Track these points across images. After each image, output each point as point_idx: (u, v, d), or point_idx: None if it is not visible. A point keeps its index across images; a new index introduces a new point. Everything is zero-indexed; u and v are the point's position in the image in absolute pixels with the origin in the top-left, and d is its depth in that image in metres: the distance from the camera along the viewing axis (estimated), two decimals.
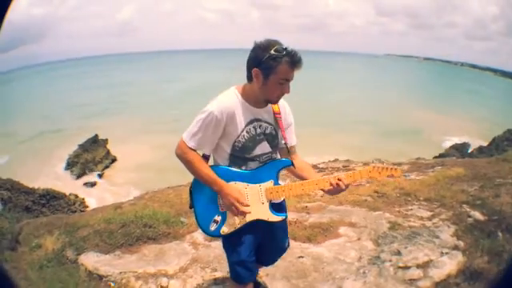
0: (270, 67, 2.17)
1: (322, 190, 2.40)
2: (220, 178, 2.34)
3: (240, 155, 2.39)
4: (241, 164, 2.41)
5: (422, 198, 6.54)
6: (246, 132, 2.36)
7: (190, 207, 2.52)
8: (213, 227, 2.43)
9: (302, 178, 2.49)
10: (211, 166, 2.40)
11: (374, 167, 2.34)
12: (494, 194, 6.41)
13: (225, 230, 2.42)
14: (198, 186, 2.44)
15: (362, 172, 2.34)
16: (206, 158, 2.44)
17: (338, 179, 2.32)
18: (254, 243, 2.56)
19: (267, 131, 2.44)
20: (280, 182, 2.47)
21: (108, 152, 35.43)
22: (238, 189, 2.36)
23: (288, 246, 2.93)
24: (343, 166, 10.27)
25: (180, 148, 2.35)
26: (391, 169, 2.33)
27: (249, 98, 2.34)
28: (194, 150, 2.34)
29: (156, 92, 76.73)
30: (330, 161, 12.33)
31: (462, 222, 5.28)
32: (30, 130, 44.71)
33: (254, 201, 2.38)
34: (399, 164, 10.88)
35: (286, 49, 2.17)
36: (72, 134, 40.18)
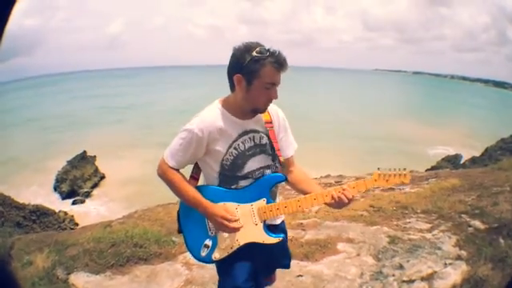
0: (253, 71, 2.04)
1: (325, 204, 2.26)
2: (205, 199, 2.22)
3: (230, 174, 2.26)
4: (231, 183, 2.28)
5: (419, 211, 6.63)
6: (234, 148, 2.23)
7: (179, 232, 2.41)
8: (204, 253, 2.31)
9: (301, 191, 2.37)
10: (197, 187, 2.30)
11: (379, 174, 2.20)
12: (493, 203, 6.55)
13: (216, 255, 2.30)
14: (186, 209, 2.33)
15: (368, 181, 2.23)
16: (195, 178, 2.36)
17: (343, 190, 2.18)
18: (251, 268, 2.37)
19: (262, 141, 2.30)
20: (278, 197, 2.42)
21: (96, 169, 35.27)
22: (224, 206, 2.22)
23: (288, 265, 2.72)
24: (336, 182, 10.27)
25: (161, 168, 2.27)
26: (399, 175, 2.19)
27: (234, 109, 2.22)
28: (176, 170, 2.26)
29: (145, 107, 76.88)
30: (321, 176, 12.33)
31: (463, 231, 5.41)
32: (20, 144, 44.46)
33: (246, 222, 2.25)
34: None
35: (269, 50, 2.05)
36: (60, 150, 39.94)
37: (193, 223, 2.33)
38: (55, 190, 32.32)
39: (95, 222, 8.53)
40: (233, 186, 2.28)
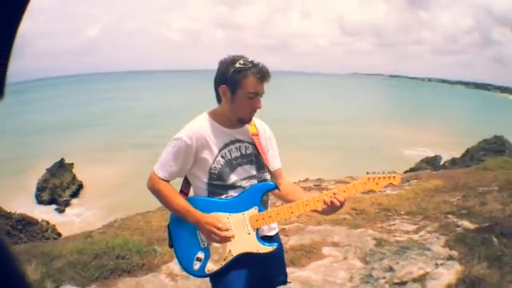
0: (236, 81, 2.14)
1: (315, 211, 2.27)
2: (195, 209, 2.22)
3: (218, 183, 2.28)
4: (220, 193, 2.29)
5: (402, 212, 6.70)
6: (221, 157, 2.27)
7: (170, 246, 2.38)
8: (196, 266, 2.27)
9: (290, 202, 2.32)
10: (187, 199, 2.31)
11: (369, 178, 2.23)
12: (480, 202, 6.66)
13: (210, 267, 2.26)
14: (176, 222, 2.32)
15: (357, 185, 2.25)
16: (184, 193, 2.37)
17: (334, 194, 2.19)
18: (247, 281, 2.32)
19: (248, 151, 2.35)
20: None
21: (74, 177, 35.11)
22: (214, 216, 2.21)
23: (284, 282, 2.62)
24: (315, 186, 10.32)
25: (151, 180, 2.27)
26: (389, 177, 2.22)
27: (221, 119, 2.29)
28: (167, 181, 2.27)
29: (122, 113, 76.60)
30: (300, 181, 12.37)
31: (451, 232, 5.45)
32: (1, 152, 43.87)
33: (238, 232, 2.23)
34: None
35: (252, 61, 2.16)
36: (40, 158, 39.55)
37: (184, 236, 2.30)
38: (37, 198, 32.49)
39: (76, 230, 8.49)
40: (223, 196, 2.28)
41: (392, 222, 6.24)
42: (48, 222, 22.65)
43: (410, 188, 8.51)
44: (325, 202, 2.19)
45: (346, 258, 4.85)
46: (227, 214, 2.24)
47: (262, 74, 2.16)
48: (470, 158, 28.47)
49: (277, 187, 2.32)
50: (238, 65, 2.13)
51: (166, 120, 62.26)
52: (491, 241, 4.88)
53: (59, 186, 33.31)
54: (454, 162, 28.96)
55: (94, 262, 4.84)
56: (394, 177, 2.23)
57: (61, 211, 30.80)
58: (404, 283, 4.01)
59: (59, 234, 20.55)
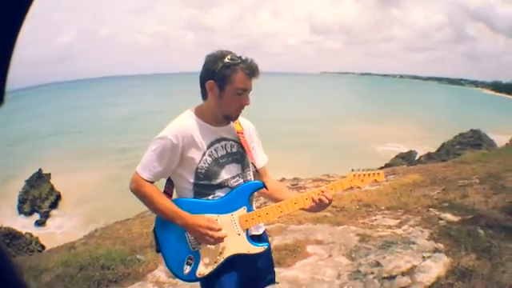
0: (224, 77, 2.11)
1: (303, 209, 2.27)
2: (184, 211, 2.17)
3: (205, 183, 2.24)
4: (207, 193, 2.25)
5: (383, 208, 6.77)
6: (209, 155, 2.23)
7: (158, 251, 2.29)
8: (187, 270, 2.20)
9: (277, 201, 2.34)
10: (173, 200, 2.24)
11: (354, 175, 2.30)
12: (461, 195, 6.79)
13: (201, 271, 2.20)
14: (163, 225, 2.24)
15: (344, 182, 2.30)
16: (168, 194, 2.29)
17: (322, 192, 2.23)
18: (238, 282, 2.30)
19: (233, 149, 2.33)
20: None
21: (52, 187, 34.79)
22: (204, 216, 2.17)
23: (273, 280, 2.64)
24: (292, 185, 10.37)
25: (134, 182, 2.19)
26: (373, 174, 2.32)
27: (206, 117, 2.25)
28: (151, 182, 2.20)
29: (97, 120, 75.86)
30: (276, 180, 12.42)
31: (434, 225, 5.53)
32: None
33: (228, 233, 2.19)
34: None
35: (240, 57, 2.13)
36: (22, 168, 38.92)
37: (172, 240, 2.23)
38: (19, 210, 32.22)
39: (58, 241, 8.46)
40: (210, 197, 2.24)
41: (373, 218, 6.29)
42: (31, 235, 22.59)
43: (388, 183, 8.60)
44: (313, 200, 2.22)
45: (331, 256, 4.86)
46: (216, 216, 2.20)
47: (252, 70, 2.13)
48: (446, 152, 29.01)
49: (265, 186, 2.31)
50: (226, 60, 2.09)
51: (140, 125, 62.07)
52: (477, 232, 4.96)
53: (38, 197, 33.12)
54: (429, 156, 29.42)
55: (81, 274, 4.80)
56: (379, 174, 2.33)
57: (42, 223, 30.65)
58: (393, 277, 4.03)
59: (42, 246, 20.55)
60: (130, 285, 4.58)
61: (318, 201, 2.21)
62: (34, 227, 28.49)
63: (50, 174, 35.98)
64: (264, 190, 2.34)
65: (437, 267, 4.12)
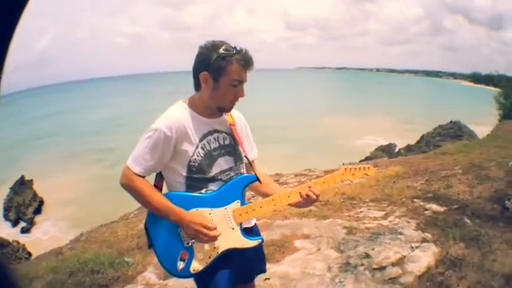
0: (220, 68, 2.08)
1: (290, 204, 2.30)
2: (177, 206, 2.13)
3: (198, 176, 2.21)
4: (200, 187, 2.22)
5: (367, 200, 6.87)
6: (201, 148, 2.20)
7: (149, 247, 2.26)
8: (180, 266, 2.17)
9: (265, 194, 2.36)
10: (165, 194, 2.20)
11: (346, 169, 2.32)
12: (445, 186, 6.94)
13: (195, 266, 2.18)
14: (154, 220, 2.20)
15: (335, 175, 2.32)
16: (158, 188, 2.26)
17: (309, 187, 2.25)
18: (231, 278, 2.31)
19: (226, 142, 2.31)
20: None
21: (35, 193, 34.50)
22: (199, 213, 2.15)
23: (264, 270, 2.70)
24: (275, 180, 10.40)
25: (125, 176, 2.14)
26: (364, 168, 2.35)
27: (199, 108, 2.22)
28: (142, 177, 2.15)
29: (74, 123, 75.01)
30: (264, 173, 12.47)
31: (420, 215, 5.63)
32: None
33: (222, 227, 2.18)
34: (330, 172, 11.29)
35: (235, 47, 2.11)
36: (2, 176, 38.39)
37: (164, 235, 2.20)
38: (5, 218, 31.97)
39: (45, 247, 8.42)
40: (202, 191, 2.23)
41: (359, 210, 6.36)
42: (18, 242, 22.54)
43: (370, 176, 8.73)
44: (301, 195, 2.23)
45: (319, 249, 4.90)
46: (209, 210, 2.18)
47: (247, 61, 2.12)
48: (426, 144, 29.41)
49: (258, 179, 2.30)
50: (221, 51, 2.07)
51: (118, 126, 61.68)
52: (464, 222, 5.08)
53: (22, 203, 32.98)
54: (409, 148, 29.75)
55: (71, 280, 4.77)
56: (369, 168, 2.36)
57: (27, 230, 30.54)
58: (383, 268, 4.09)
59: (29, 253, 20.53)
60: None
61: (305, 196, 2.23)
62: (19, 234, 28.39)
63: (32, 180, 35.73)
64: (256, 183, 2.33)
65: (426, 257, 4.20)
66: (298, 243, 5.17)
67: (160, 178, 2.28)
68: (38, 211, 33.29)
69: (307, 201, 2.24)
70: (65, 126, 72.83)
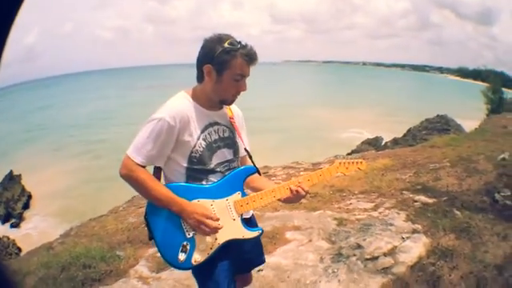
0: (224, 62, 2.10)
1: (279, 200, 2.32)
2: (179, 197, 2.14)
3: (198, 167, 2.23)
4: (200, 178, 2.25)
5: (356, 192, 6.95)
6: (203, 139, 2.22)
7: (150, 238, 2.26)
8: (182, 257, 2.17)
9: (256, 189, 2.37)
10: (166, 185, 2.21)
11: (340, 163, 2.37)
12: (434, 178, 7.06)
13: (197, 258, 2.19)
14: (155, 211, 2.20)
15: (331, 169, 2.37)
16: (156, 177, 2.26)
17: (298, 183, 2.28)
18: (231, 269, 2.35)
19: (225, 134, 2.34)
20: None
21: (23, 188, 34.24)
22: (202, 204, 2.17)
23: (263, 261, 2.77)
24: (263, 173, 10.43)
25: (125, 166, 2.12)
26: (357, 162, 2.40)
27: (201, 100, 2.24)
28: (143, 167, 2.14)
29: (63, 117, 74.33)
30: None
31: (410, 207, 5.73)
32: None
33: (223, 218, 2.20)
34: (318, 164, 11.39)
35: (240, 42, 2.13)
36: None
37: (165, 227, 2.20)
38: None
39: (35, 243, 8.40)
40: (203, 182, 2.25)
41: (348, 202, 6.44)
42: (8, 237, 22.46)
43: (363, 170, 8.80)
44: (291, 191, 2.26)
45: (311, 241, 4.95)
46: (210, 201, 2.20)
47: (251, 57, 2.14)
48: (413, 137, 29.55)
49: (258, 171, 2.36)
50: (226, 45, 2.09)
51: (106, 119, 61.39)
52: (454, 214, 5.17)
53: (11, 199, 32.72)
54: (396, 142, 29.83)
55: (63, 275, 4.75)
56: (361, 162, 2.41)
57: (16, 225, 30.38)
58: (376, 258, 4.16)
59: (19, 249, 20.51)
60: (114, 282, 4.53)
61: (295, 192, 2.25)
62: (9, 230, 28.16)
63: (20, 175, 35.56)
64: (252, 175, 2.37)
65: (417, 247, 4.28)
66: (289, 235, 5.21)
67: (158, 170, 2.29)
68: (26, 206, 33.13)
69: (296, 196, 2.27)
70: (53, 119, 72.28)
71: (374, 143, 31.95)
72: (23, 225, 30.47)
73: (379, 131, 38.41)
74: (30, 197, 34.35)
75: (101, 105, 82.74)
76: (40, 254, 5.87)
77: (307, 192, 2.28)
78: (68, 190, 32.78)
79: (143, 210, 7.12)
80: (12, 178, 34.68)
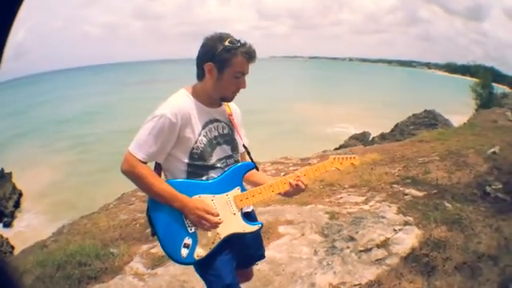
0: (224, 60, 2.17)
1: (279, 193, 2.40)
2: (181, 193, 2.20)
3: (199, 163, 2.29)
4: (201, 174, 2.30)
5: (347, 186, 7.05)
6: (204, 136, 2.28)
7: (153, 234, 2.30)
8: (184, 253, 2.23)
9: (254, 183, 2.44)
10: (167, 181, 2.25)
11: (335, 158, 2.45)
12: (423, 171, 7.17)
13: (199, 252, 2.24)
14: (157, 207, 2.24)
15: (326, 164, 2.45)
16: (156, 173, 2.32)
17: (297, 177, 2.36)
18: (232, 260, 2.40)
19: (225, 131, 2.40)
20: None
21: (14, 186, 33.92)
22: (203, 200, 2.22)
23: (263, 255, 2.83)
24: None
25: (127, 162, 2.17)
26: (350, 158, 2.50)
27: (202, 97, 2.30)
28: (145, 163, 2.19)
29: (52, 114, 73.67)
30: None
31: (400, 200, 5.83)
32: None
33: (224, 213, 2.26)
34: (307, 159, 11.49)
35: (239, 41, 2.20)
36: None
37: (168, 222, 2.25)
38: None
39: (29, 241, 8.43)
40: (204, 178, 2.30)
41: (339, 196, 6.53)
42: (1, 236, 22.08)
43: (356, 166, 8.89)
44: (290, 185, 2.34)
45: (303, 234, 5.02)
46: (211, 196, 2.26)
47: (250, 54, 2.22)
48: (400, 132, 29.71)
49: (256, 167, 2.42)
50: (227, 43, 2.16)
51: (95, 115, 61.39)
52: (444, 206, 5.27)
53: (3, 197, 32.39)
54: (383, 137, 29.98)
55: (59, 274, 4.77)
56: (355, 158, 2.52)
57: (9, 224, 30.20)
58: (369, 250, 4.24)
59: (12, 247, 20.29)
60: (110, 279, 4.55)
61: (295, 186, 2.33)
62: (2, 229, 27.93)
63: (11, 173, 35.23)
64: (251, 170, 2.42)
65: (410, 239, 4.37)
66: (281, 229, 5.28)
67: (159, 166, 2.34)
68: (17, 204, 32.94)
69: (296, 190, 2.36)
70: (42, 116, 71.76)
71: (361, 138, 32.03)
72: (15, 223, 30.39)
73: (366, 126, 38.53)
74: (20, 195, 34.21)
75: (90, 101, 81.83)
76: (34, 253, 5.90)
77: (306, 186, 2.35)
78: (58, 186, 32.79)
79: (134, 207, 7.19)
80: (3, 176, 34.27)
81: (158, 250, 4.83)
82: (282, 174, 9.14)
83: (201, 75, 2.28)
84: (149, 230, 5.69)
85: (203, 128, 2.29)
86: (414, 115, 33.40)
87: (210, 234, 2.25)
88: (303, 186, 2.34)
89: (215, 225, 2.22)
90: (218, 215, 2.22)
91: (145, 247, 5.09)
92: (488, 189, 5.86)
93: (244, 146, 2.51)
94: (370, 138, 31.83)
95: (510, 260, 3.85)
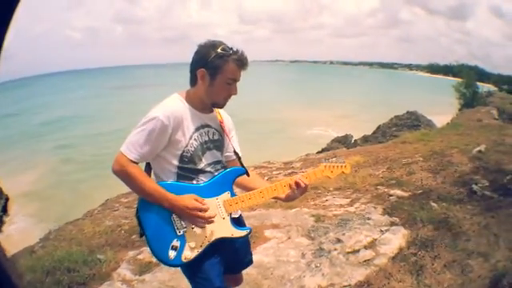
0: (217, 67, 2.23)
1: (277, 197, 2.43)
2: (170, 193, 2.23)
3: (189, 167, 2.34)
4: (191, 177, 2.35)
5: (331, 189, 7.09)
6: (195, 140, 2.33)
7: (141, 235, 2.33)
8: (172, 255, 2.26)
9: (249, 189, 2.46)
10: (158, 183, 2.28)
11: (325, 166, 2.48)
12: (407, 173, 7.25)
13: (187, 255, 2.26)
14: (147, 208, 2.28)
15: (317, 172, 2.47)
16: (146, 172, 2.34)
17: (296, 182, 2.37)
18: (220, 265, 2.43)
19: (215, 137, 2.45)
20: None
21: (0, 190, 33.58)
22: (191, 196, 2.24)
23: (251, 261, 2.88)
24: None
25: (118, 163, 2.20)
26: (341, 166, 2.49)
27: (194, 103, 2.35)
28: (136, 163, 2.23)
29: (35, 118, 73.03)
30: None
31: (385, 201, 5.90)
32: None
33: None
34: (290, 163, 11.52)
35: (232, 48, 2.26)
36: None
37: (156, 223, 2.28)
38: None
39: (16, 245, 8.39)
40: (193, 181, 2.34)
41: (324, 199, 6.56)
42: None
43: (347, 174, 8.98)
44: (290, 187, 2.38)
45: (290, 238, 5.05)
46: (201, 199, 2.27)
47: (242, 62, 2.28)
48: (382, 134, 29.86)
49: (247, 173, 2.45)
50: (219, 50, 2.22)
51: (76, 119, 60.60)
52: (430, 206, 5.35)
53: None
54: (365, 139, 30.08)
55: (49, 279, 4.74)
56: (345, 165, 2.51)
57: None
58: (357, 251, 4.29)
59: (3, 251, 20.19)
60: (99, 286, 4.54)
61: (294, 186, 2.36)
62: None
63: None
64: (244, 176, 2.47)
65: (397, 239, 4.43)
66: (268, 233, 5.30)
67: (149, 166, 2.39)
68: (4, 209, 32.64)
69: (292, 195, 2.40)
70: (25, 121, 71.32)
71: (343, 141, 32.10)
72: (5, 228, 30.14)
73: (347, 129, 38.75)
74: (7, 199, 33.99)
75: (72, 105, 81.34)
76: (24, 258, 5.85)
77: (307, 187, 2.40)
78: (42, 191, 32.33)
79: (118, 212, 7.14)
80: None
81: (144, 256, 4.84)
82: (266, 178, 9.16)
83: (193, 81, 2.33)
84: (134, 237, 5.74)
85: (194, 132, 2.33)
86: (396, 117, 33.57)
87: (198, 236, 2.27)
88: (298, 195, 2.40)
89: (209, 219, 2.24)
90: (207, 209, 2.24)
91: (131, 253, 5.07)
92: (475, 187, 5.97)
93: (235, 152, 2.53)
94: (353, 141, 31.97)
95: (501, 256, 3.92)
